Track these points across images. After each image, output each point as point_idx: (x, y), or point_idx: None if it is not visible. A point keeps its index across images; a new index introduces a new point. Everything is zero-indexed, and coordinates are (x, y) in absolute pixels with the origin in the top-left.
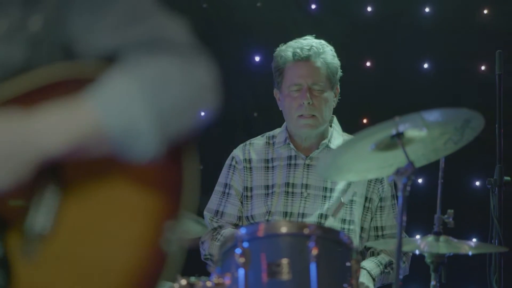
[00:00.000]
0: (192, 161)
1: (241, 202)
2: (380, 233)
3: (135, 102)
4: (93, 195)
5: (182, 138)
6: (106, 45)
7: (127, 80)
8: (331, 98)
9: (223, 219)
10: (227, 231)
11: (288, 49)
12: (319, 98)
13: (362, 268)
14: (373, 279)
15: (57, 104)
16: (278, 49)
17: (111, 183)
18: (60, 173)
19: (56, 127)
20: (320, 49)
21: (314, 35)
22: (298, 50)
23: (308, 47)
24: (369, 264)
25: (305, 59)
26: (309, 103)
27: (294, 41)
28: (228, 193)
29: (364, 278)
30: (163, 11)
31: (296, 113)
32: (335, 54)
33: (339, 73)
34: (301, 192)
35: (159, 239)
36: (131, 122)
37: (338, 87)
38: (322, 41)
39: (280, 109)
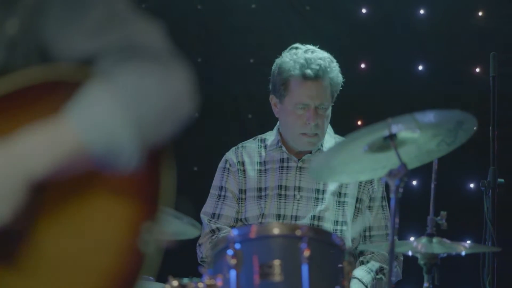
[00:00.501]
0: (168, 166)
1: (238, 204)
2: (367, 233)
3: (115, 116)
4: (73, 204)
5: (159, 144)
6: (82, 50)
7: (105, 95)
8: (330, 112)
9: (220, 221)
10: (226, 232)
11: (296, 66)
12: (323, 116)
13: (352, 277)
14: (366, 286)
15: (38, 124)
16: (283, 60)
17: (90, 192)
18: (39, 187)
19: (39, 149)
20: (328, 68)
21: (318, 46)
22: (308, 71)
23: (317, 66)
24: (360, 272)
25: (315, 79)
26: (315, 124)
27: (300, 54)
28: (224, 196)
29: (355, 286)
30: (141, 17)
31: (299, 130)
32: (339, 69)
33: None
34: (294, 195)
35: (136, 241)
36: (112, 138)
37: None
38: (327, 56)
39: (276, 115)
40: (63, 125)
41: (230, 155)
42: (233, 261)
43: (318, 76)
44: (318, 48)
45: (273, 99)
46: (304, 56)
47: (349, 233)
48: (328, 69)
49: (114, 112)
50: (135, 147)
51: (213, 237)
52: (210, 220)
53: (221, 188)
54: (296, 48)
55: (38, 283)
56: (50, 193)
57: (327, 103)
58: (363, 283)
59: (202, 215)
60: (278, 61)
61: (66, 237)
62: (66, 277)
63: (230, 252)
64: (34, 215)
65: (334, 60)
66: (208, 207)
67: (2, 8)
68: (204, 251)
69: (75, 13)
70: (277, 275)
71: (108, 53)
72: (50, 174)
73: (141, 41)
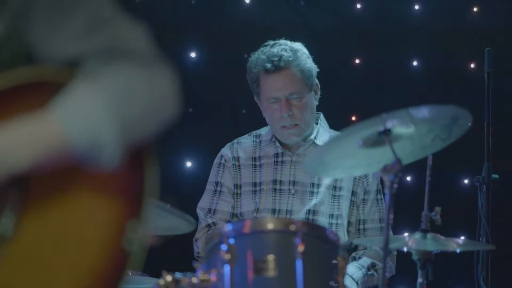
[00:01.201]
0: (152, 164)
1: (233, 199)
2: (361, 226)
3: (98, 114)
4: (56, 201)
5: (143, 143)
6: (68, 52)
7: (91, 92)
8: (311, 100)
9: (216, 216)
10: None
11: (259, 61)
12: (298, 106)
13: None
14: (356, 283)
15: (22, 119)
16: (250, 59)
17: (74, 188)
18: (23, 181)
19: (21, 143)
20: (290, 57)
21: (283, 38)
22: (268, 64)
23: (277, 58)
24: (350, 269)
25: (277, 71)
26: (289, 115)
27: (264, 48)
28: (220, 191)
29: (346, 282)
30: (126, 20)
31: (278, 124)
32: (308, 55)
33: (315, 73)
34: (289, 189)
35: (121, 239)
36: (96, 135)
37: (317, 83)
38: (294, 46)
39: (263, 115)
40: (45, 118)
41: (225, 150)
42: (227, 256)
43: (280, 67)
44: (298, 42)
45: (255, 98)
46: (268, 50)
47: (344, 227)
48: (291, 59)
49: (97, 108)
50: (117, 145)
51: (209, 232)
52: (206, 215)
53: (216, 183)
54: (266, 45)
55: (20, 280)
56: (33, 189)
57: (299, 91)
58: (353, 279)
59: (198, 210)
60: (248, 64)
61: (49, 234)
62: (49, 275)
63: (224, 247)
64: (16, 211)
65: (302, 49)
66: (204, 202)
67: None
68: (200, 246)
69: (61, 16)
70: (271, 270)
71: (93, 55)
72: (32, 168)
73: (126, 44)
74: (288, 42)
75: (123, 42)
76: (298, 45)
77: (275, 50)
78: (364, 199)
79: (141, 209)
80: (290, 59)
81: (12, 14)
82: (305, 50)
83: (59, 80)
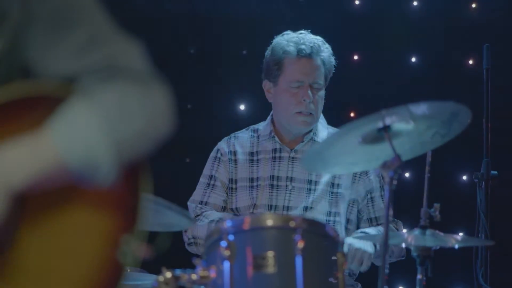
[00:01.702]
0: (146, 180)
1: (227, 194)
2: (375, 223)
3: (94, 134)
4: (52, 215)
5: (137, 160)
6: (65, 68)
7: (86, 112)
8: (324, 96)
9: (207, 207)
10: (210, 212)
11: (290, 44)
12: (317, 96)
13: (361, 232)
14: (374, 244)
15: (19, 139)
16: (276, 41)
17: (70, 204)
18: (20, 196)
19: (19, 161)
20: (320, 47)
21: (309, 30)
22: (303, 46)
23: (310, 44)
24: (370, 230)
25: (307, 56)
26: (310, 101)
27: (293, 35)
28: (213, 185)
29: (358, 241)
30: (123, 37)
31: (294, 109)
32: (332, 52)
33: (333, 70)
34: (286, 185)
35: (115, 252)
36: (91, 155)
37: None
38: (320, 38)
39: (270, 101)
40: (43, 139)
41: (222, 144)
42: (226, 253)
43: (312, 53)
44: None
45: (266, 85)
46: (298, 36)
47: (342, 224)
48: (321, 48)
49: (93, 128)
50: (112, 163)
51: (197, 218)
52: (197, 207)
53: (210, 177)
54: (289, 33)
55: None
56: (31, 206)
57: (321, 82)
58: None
59: (189, 203)
60: (271, 46)
61: (47, 249)
62: (45, 284)
63: (223, 243)
64: (15, 226)
65: (327, 44)
66: (196, 195)
67: None
68: (189, 232)
69: (60, 33)
70: (270, 267)
71: (90, 72)
72: (30, 186)
73: (123, 61)
74: (311, 34)
75: (120, 59)
76: (322, 39)
77: (306, 37)
78: (371, 198)
79: (135, 223)
80: (321, 48)
81: (12, 29)
82: (329, 47)
83: (57, 95)
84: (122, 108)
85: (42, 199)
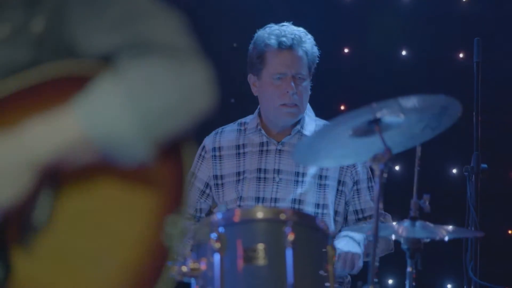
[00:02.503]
0: (190, 156)
1: (203, 193)
2: (360, 215)
3: (120, 109)
4: (87, 194)
5: (178, 135)
6: (104, 44)
7: (114, 88)
8: (308, 86)
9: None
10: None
11: (271, 36)
12: (300, 87)
13: (343, 236)
14: (358, 243)
15: (44, 115)
16: (258, 34)
17: (104, 183)
18: (54, 174)
19: (43, 137)
20: (302, 38)
21: (291, 22)
22: (283, 39)
23: (291, 36)
24: (353, 234)
25: (289, 48)
26: (294, 92)
27: (274, 27)
28: (192, 183)
29: (345, 245)
30: (161, 11)
31: (278, 101)
32: (314, 43)
33: (317, 61)
34: (273, 177)
35: (159, 235)
36: (116, 132)
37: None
38: (302, 29)
39: (255, 95)
40: (66, 115)
41: (207, 141)
42: (217, 245)
43: (293, 44)
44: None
45: (251, 78)
46: (279, 29)
47: (330, 216)
48: (303, 39)
49: (120, 105)
50: (140, 142)
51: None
52: None
53: (192, 174)
54: (271, 26)
55: (55, 274)
56: (64, 182)
57: (304, 73)
58: (355, 240)
59: None
60: (253, 39)
61: (82, 227)
62: (84, 271)
63: (214, 235)
64: (50, 204)
65: (309, 34)
66: None
67: (27, 7)
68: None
69: (98, 9)
70: (261, 259)
71: (124, 48)
72: (56, 162)
73: (159, 36)
74: (293, 26)
75: (156, 34)
76: (304, 30)
77: (288, 29)
78: (357, 189)
79: (180, 203)
80: (303, 39)
81: (52, 8)
82: (312, 38)
83: (88, 75)
84: (152, 84)
85: (76, 176)
